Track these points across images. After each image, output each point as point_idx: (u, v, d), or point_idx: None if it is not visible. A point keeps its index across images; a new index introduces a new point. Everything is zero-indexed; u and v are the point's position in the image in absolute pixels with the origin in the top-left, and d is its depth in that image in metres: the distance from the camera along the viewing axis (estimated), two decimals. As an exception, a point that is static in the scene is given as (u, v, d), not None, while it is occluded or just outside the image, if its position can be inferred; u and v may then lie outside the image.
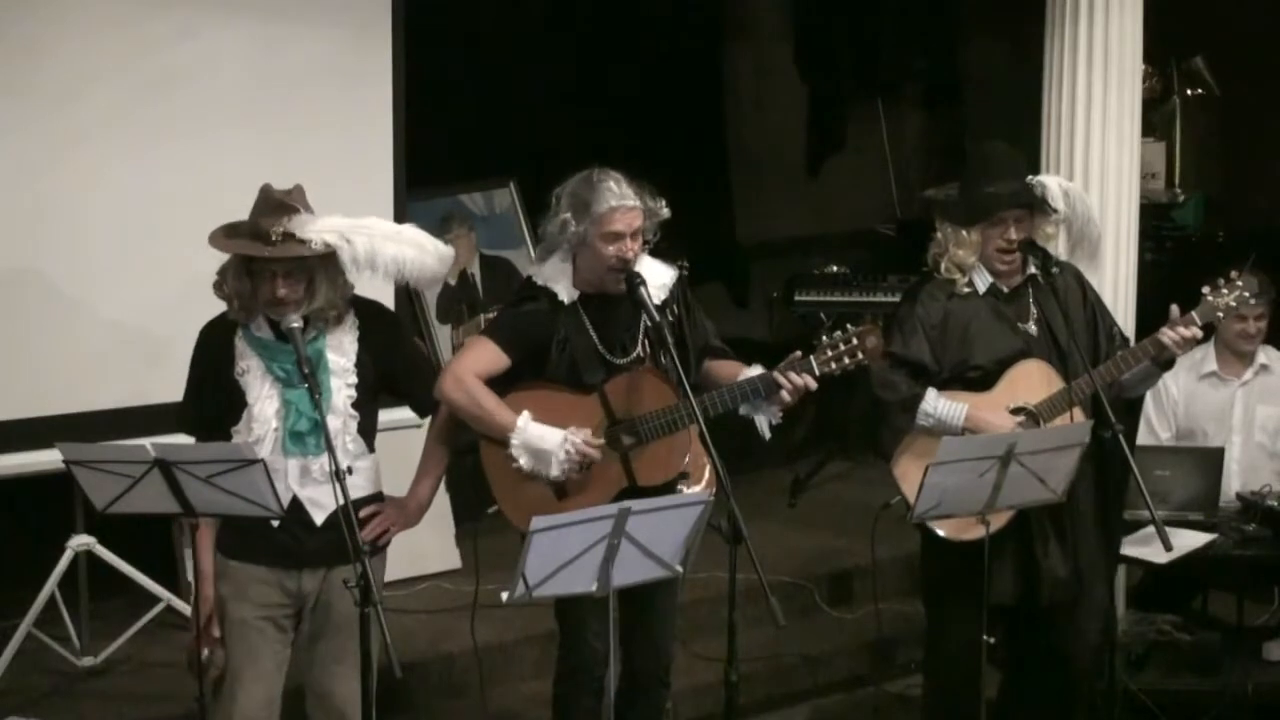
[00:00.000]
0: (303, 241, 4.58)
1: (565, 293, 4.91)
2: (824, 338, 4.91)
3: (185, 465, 4.39)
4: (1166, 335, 5.19)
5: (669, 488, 4.92)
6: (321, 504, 4.69)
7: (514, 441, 4.80)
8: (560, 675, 5.15)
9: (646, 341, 4.95)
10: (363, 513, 4.68)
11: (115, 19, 5.81)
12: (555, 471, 4.79)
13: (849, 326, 4.93)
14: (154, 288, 5.81)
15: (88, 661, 6.04)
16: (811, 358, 4.87)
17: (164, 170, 5.87)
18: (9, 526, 6.09)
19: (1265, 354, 6.50)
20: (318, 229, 4.61)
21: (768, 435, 4.97)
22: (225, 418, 4.71)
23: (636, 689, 5.11)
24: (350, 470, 4.57)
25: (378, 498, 4.84)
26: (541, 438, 4.79)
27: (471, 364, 4.87)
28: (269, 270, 4.59)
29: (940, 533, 5.16)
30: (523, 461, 4.81)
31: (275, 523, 4.62)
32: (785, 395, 4.85)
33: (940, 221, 5.33)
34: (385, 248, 4.69)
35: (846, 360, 4.88)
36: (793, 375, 4.84)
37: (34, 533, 6.10)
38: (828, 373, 4.88)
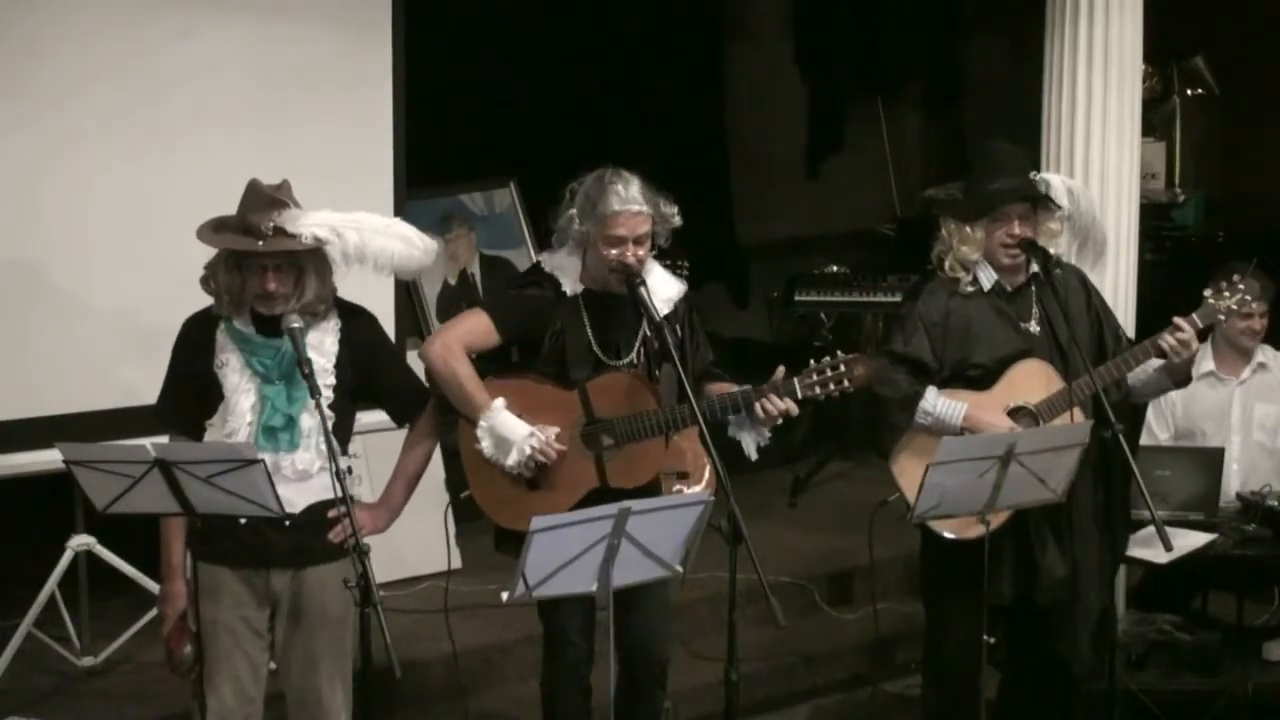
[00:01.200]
0: (293, 236, 4.59)
1: (570, 285, 4.92)
2: (812, 361, 4.89)
3: (185, 465, 4.39)
4: (1166, 340, 5.19)
5: (641, 493, 4.86)
6: (292, 502, 4.65)
7: (481, 424, 4.82)
8: (545, 675, 5.17)
9: (643, 349, 4.94)
10: (331, 513, 4.64)
11: (115, 19, 5.81)
12: (511, 461, 4.79)
13: (839, 353, 4.89)
14: (154, 287, 5.80)
15: (88, 661, 6.04)
16: (795, 379, 4.84)
17: (163, 170, 5.86)
18: (9, 526, 6.09)
19: (1263, 352, 6.50)
20: (308, 223, 4.61)
21: (754, 456, 4.97)
22: (203, 415, 4.71)
23: (633, 691, 5.10)
24: (350, 470, 4.56)
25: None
26: (508, 427, 4.80)
27: (462, 334, 4.90)
28: (259, 265, 4.60)
29: (946, 534, 5.15)
30: (485, 445, 4.83)
31: (242, 520, 4.60)
32: (761, 415, 4.84)
33: (945, 219, 5.32)
34: (374, 241, 4.71)
35: (832, 387, 4.85)
36: (774, 398, 4.82)
37: (34, 533, 6.10)
38: (811, 397, 4.86)
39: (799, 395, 4.84)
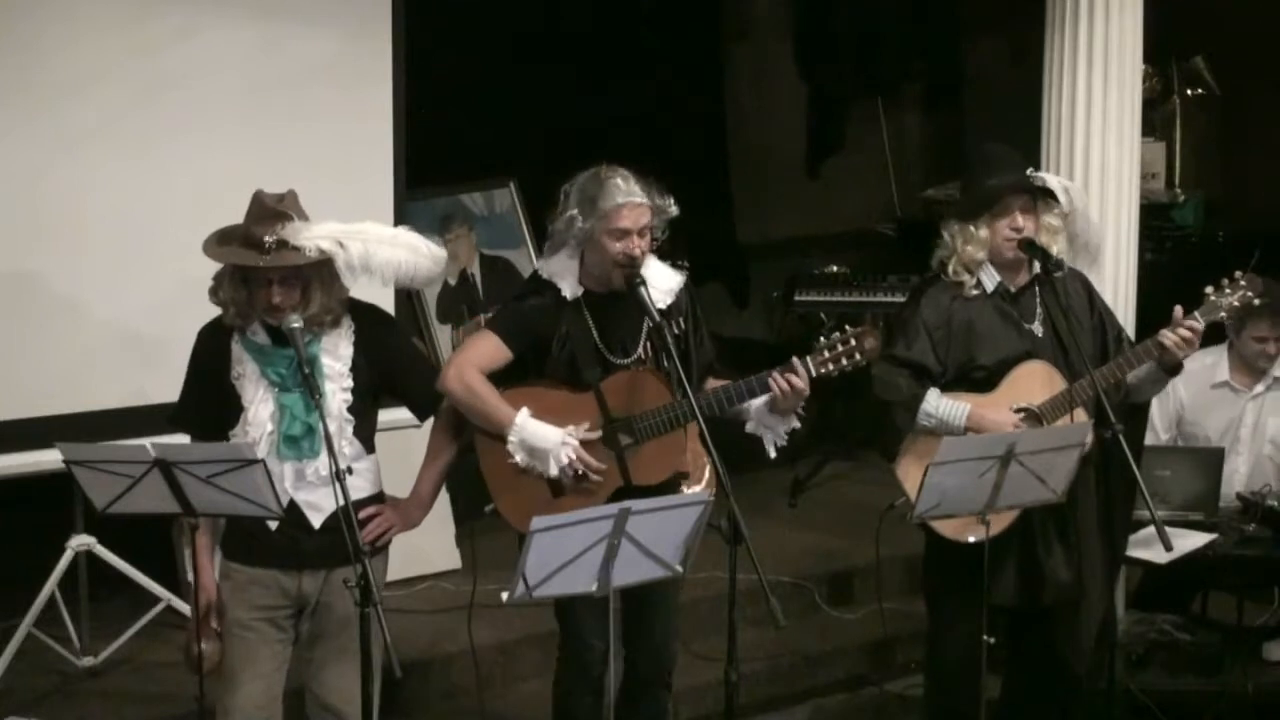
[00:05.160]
0: (296, 249, 4.58)
1: (570, 289, 4.92)
2: (821, 339, 4.90)
3: (185, 465, 4.40)
4: (1167, 336, 5.18)
5: (665, 488, 4.90)
6: (318, 507, 4.69)
7: (512, 439, 4.81)
8: (559, 675, 5.16)
9: (649, 344, 4.94)
10: (363, 514, 4.68)
11: (115, 19, 5.81)
12: (553, 470, 4.79)
13: (847, 328, 4.90)
14: (154, 287, 5.81)
15: (88, 661, 6.03)
16: (808, 358, 4.85)
17: (163, 170, 5.86)
18: (9, 526, 6.09)
19: (1279, 366, 6.47)
20: (311, 235, 4.61)
21: (773, 454, 4.97)
22: (221, 421, 4.72)
23: (638, 691, 5.11)
24: (350, 470, 4.56)
25: (378, 498, 4.85)
26: (539, 435, 4.80)
27: (474, 357, 4.88)
28: (264, 277, 4.60)
29: (944, 533, 5.15)
30: (520, 458, 4.82)
31: (273, 525, 4.63)
32: (780, 400, 4.83)
33: (946, 222, 5.32)
34: (379, 251, 4.70)
35: (844, 361, 4.85)
36: (783, 376, 4.83)
37: (34, 533, 6.10)
38: (825, 374, 4.86)
39: (813, 374, 4.84)
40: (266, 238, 4.57)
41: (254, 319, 4.67)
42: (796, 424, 5.00)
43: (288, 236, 4.58)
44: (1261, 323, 6.25)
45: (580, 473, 4.81)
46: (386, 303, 5.87)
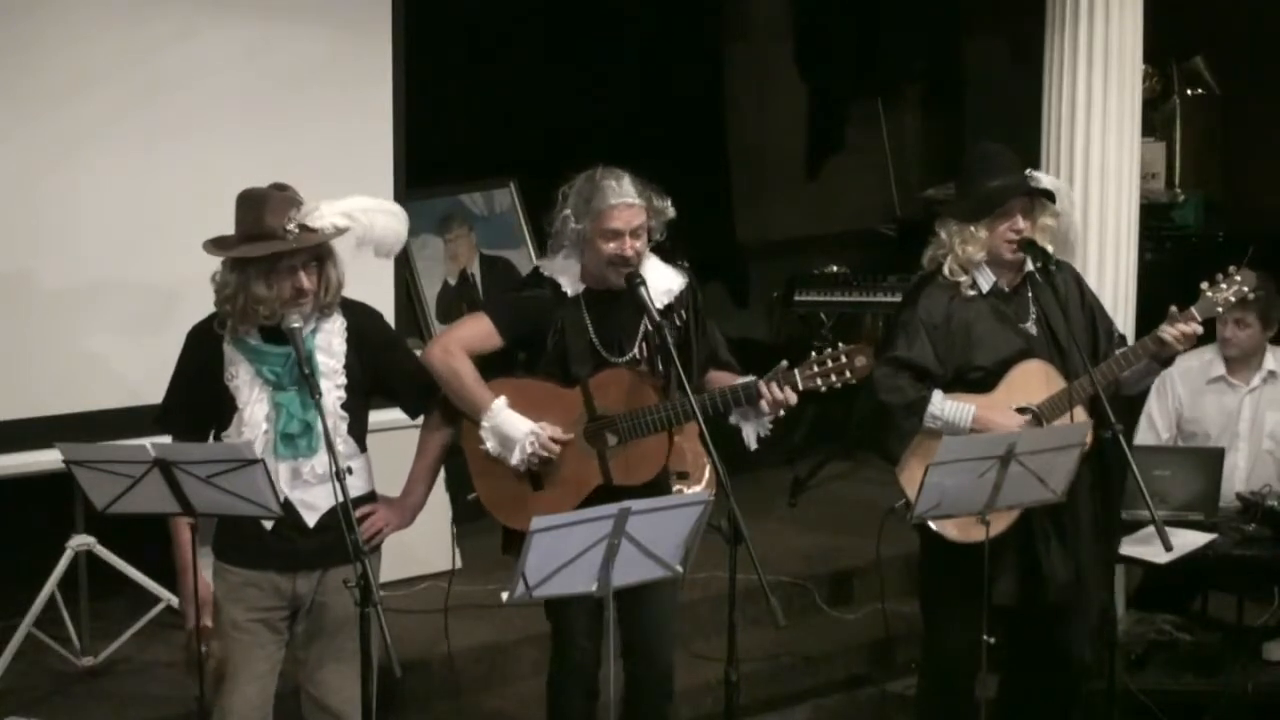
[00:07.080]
0: (314, 229, 4.60)
1: (571, 285, 4.92)
2: (813, 353, 4.88)
3: (185, 465, 4.39)
4: (1167, 332, 5.19)
5: (650, 488, 4.86)
6: (313, 506, 4.68)
7: (484, 424, 4.83)
8: (551, 675, 5.17)
9: (644, 345, 4.94)
10: (357, 513, 4.65)
11: (114, 19, 5.81)
12: (515, 459, 4.80)
13: (840, 345, 4.88)
14: (154, 287, 5.81)
15: (88, 661, 6.03)
16: (796, 370, 4.84)
17: (163, 171, 5.87)
18: (9, 526, 6.09)
19: (1274, 359, 6.44)
20: (322, 215, 4.62)
21: (753, 446, 4.96)
22: (210, 422, 4.72)
23: (638, 698, 5.09)
24: (350, 470, 4.56)
25: (371, 497, 4.84)
26: (511, 424, 4.81)
27: (463, 336, 4.91)
28: (288, 266, 4.59)
29: (951, 535, 5.14)
30: (490, 445, 4.83)
31: (268, 526, 4.62)
32: (764, 406, 4.84)
33: (944, 222, 5.31)
34: (379, 220, 4.73)
35: (834, 378, 4.83)
36: (774, 388, 4.82)
37: (34, 533, 6.10)
38: (812, 388, 4.85)
39: (800, 386, 4.83)
40: (284, 225, 4.57)
41: (278, 316, 4.64)
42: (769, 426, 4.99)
43: (304, 219, 4.59)
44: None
45: (540, 460, 4.80)
46: (386, 301, 5.90)
